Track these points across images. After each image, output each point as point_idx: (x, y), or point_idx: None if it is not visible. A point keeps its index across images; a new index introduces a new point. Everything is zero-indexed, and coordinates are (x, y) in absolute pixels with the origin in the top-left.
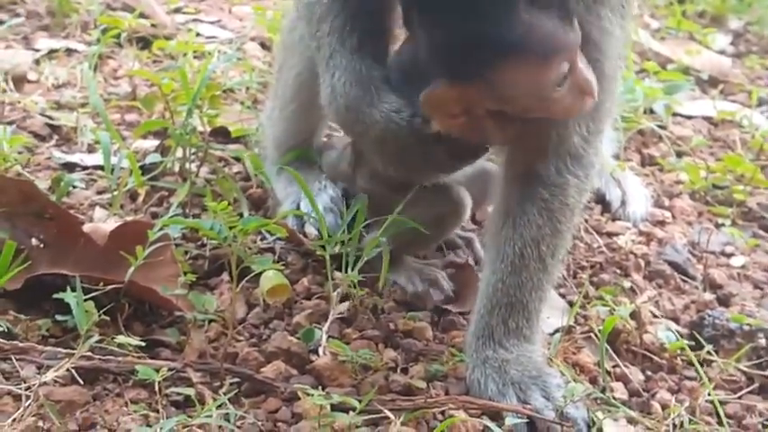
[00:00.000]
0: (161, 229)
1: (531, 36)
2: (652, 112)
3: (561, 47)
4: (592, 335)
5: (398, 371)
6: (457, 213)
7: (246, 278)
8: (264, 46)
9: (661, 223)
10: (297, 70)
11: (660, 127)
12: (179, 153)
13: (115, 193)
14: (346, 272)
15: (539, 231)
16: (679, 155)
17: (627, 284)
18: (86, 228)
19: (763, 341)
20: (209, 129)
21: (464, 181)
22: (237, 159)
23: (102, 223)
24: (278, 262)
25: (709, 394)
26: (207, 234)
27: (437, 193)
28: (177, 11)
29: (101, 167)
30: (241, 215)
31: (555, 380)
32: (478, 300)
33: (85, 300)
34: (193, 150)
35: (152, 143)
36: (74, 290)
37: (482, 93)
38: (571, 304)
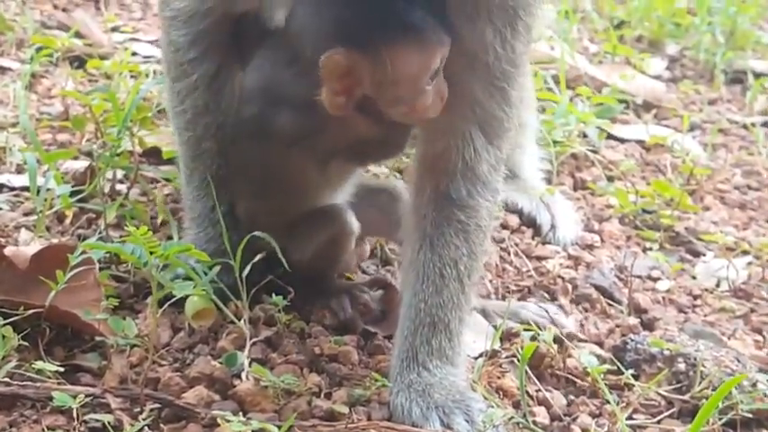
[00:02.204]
0: (83, 252)
1: (427, 23)
2: (585, 136)
3: (445, 41)
4: (516, 359)
5: (322, 396)
6: (342, 239)
7: (171, 301)
8: None
9: (590, 247)
10: None
11: (593, 151)
12: (109, 174)
13: (40, 214)
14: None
15: (456, 252)
16: (610, 179)
17: (553, 308)
18: (8, 251)
19: (682, 366)
20: (140, 150)
21: (370, 206)
22: (169, 180)
23: (25, 247)
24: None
25: (628, 418)
26: (128, 259)
27: (319, 217)
28: (115, 29)
29: (28, 189)
30: (170, 237)
31: (478, 404)
32: (401, 323)
33: (5, 324)
34: (124, 172)
35: (82, 164)
36: None
37: (373, 68)
38: (496, 328)
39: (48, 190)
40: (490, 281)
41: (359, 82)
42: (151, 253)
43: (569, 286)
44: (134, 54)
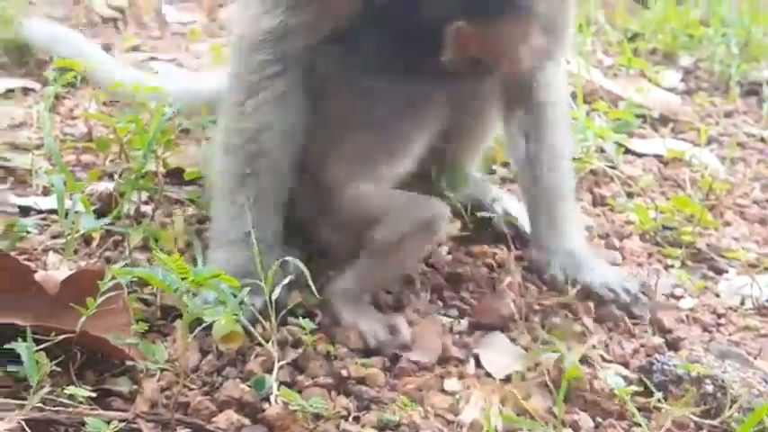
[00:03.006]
0: (112, 278)
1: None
2: (603, 151)
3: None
4: (543, 380)
5: (350, 419)
6: (433, 226)
7: (201, 327)
8: None
9: (611, 265)
10: None
11: (611, 166)
12: (134, 196)
13: (68, 237)
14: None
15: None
16: (629, 195)
17: (578, 328)
18: (38, 276)
19: (710, 387)
20: (164, 170)
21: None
22: (192, 201)
23: (55, 271)
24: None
25: None
26: (159, 285)
27: (407, 207)
28: (135, 49)
29: (55, 211)
30: (195, 259)
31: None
32: (531, 203)
33: (37, 350)
34: (148, 194)
35: (107, 185)
36: (25, 339)
37: (485, 37)
38: (522, 348)
39: (75, 212)
40: (513, 300)
41: (474, 48)
42: (182, 279)
43: (592, 305)
44: (155, 73)
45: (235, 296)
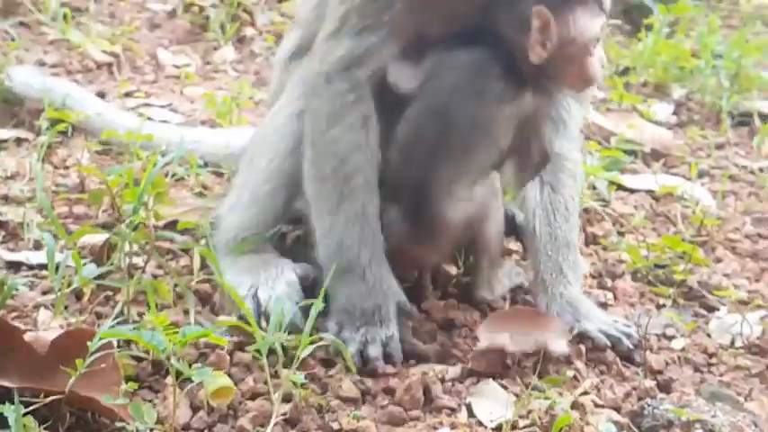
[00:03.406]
0: (101, 338)
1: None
2: (595, 188)
3: (603, 13)
4: (535, 428)
5: None
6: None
7: (191, 386)
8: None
9: (604, 305)
10: (270, 156)
11: (603, 203)
12: (126, 248)
13: (59, 294)
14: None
15: (571, 190)
16: (621, 233)
17: (570, 373)
18: (28, 337)
19: None
20: (155, 222)
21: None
22: (185, 251)
23: (44, 332)
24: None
25: None
26: (147, 347)
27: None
28: (128, 95)
29: (47, 266)
30: (186, 312)
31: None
32: (538, 249)
33: (25, 413)
34: (141, 243)
35: (99, 237)
36: (12, 402)
37: (560, 27)
38: (514, 395)
39: (66, 266)
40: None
41: (550, 37)
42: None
43: (583, 348)
44: (148, 119)
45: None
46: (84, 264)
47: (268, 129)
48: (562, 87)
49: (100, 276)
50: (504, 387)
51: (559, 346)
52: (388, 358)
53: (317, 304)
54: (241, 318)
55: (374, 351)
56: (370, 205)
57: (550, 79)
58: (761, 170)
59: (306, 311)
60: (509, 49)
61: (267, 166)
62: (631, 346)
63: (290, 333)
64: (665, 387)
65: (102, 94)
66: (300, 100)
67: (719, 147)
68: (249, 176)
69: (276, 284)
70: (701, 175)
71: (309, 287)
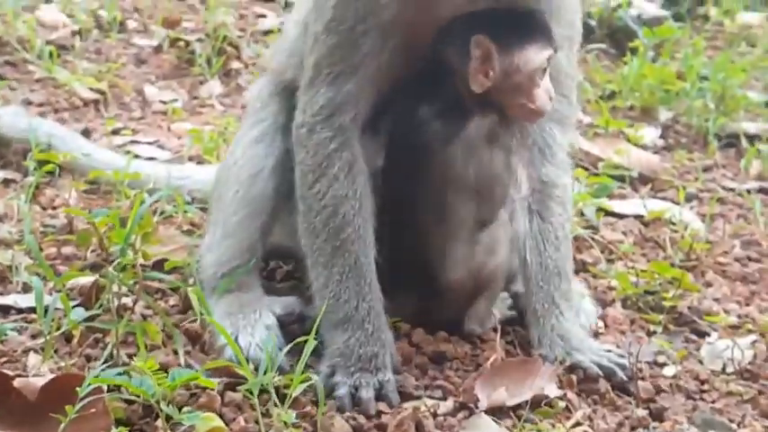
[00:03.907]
0: (90, 383)
1: (545, 30)
2: (583, 215)
3: (552, 43)
4: None
5: None
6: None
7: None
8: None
9: (595, 334)
10: (234, 189)
11: (592, 231)
12: (115, 289)
13: (48, 338)
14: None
15: (560, 217)
16: (611, 260)
17: (562, 404)
18: (17, 383)
19: None
20: (144, 262)
21: None
22: (175, 290)
23: (34, 377)
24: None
25: None
26: (136, 392)
27: None
28: (115, 132)
29: (35, 309)
30: (176, 352)
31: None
32: (531, 278)
33: None
34: (130, 283)
35: (88, 278)
36: None
37: (503, 57)
38: (507, 428)
39: (55, 309)
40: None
41: (493, 67)
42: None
43: (574, 378)
44: (135, 157)
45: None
46: (74, 306)
47: (229, 162)
48: (512, 117)
49: (89, 319)
50: (497, 420)
51: (553, 390)
52: (382, 399)
53: (309, 343)
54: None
55: (367, 394)
56: (363, 256)
57: (498, 110)
58: (748, 192)
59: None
60: (456, 82)
61: (233, 197)
62: (625, 378)
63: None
64: (658, 416)
65: (88, 133)
66: (255, 128)
67: (707, 169)
68: (219, 212)
69: (255, 330)
70: (689, 198)
71: (296, 321)
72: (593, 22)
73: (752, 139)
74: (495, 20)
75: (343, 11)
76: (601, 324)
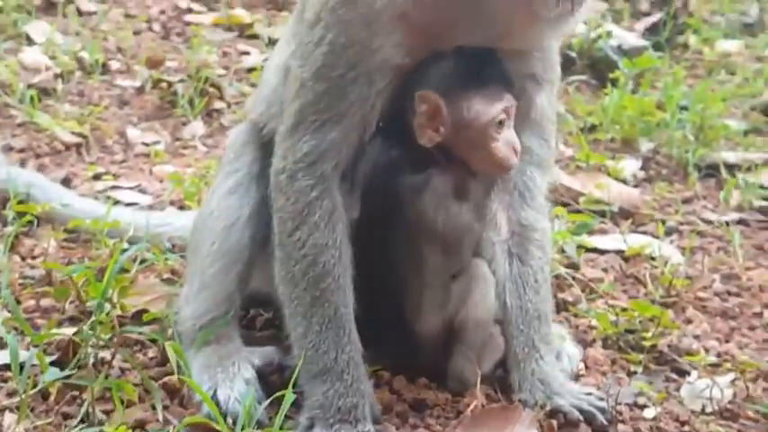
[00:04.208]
0: None
1: (496, 81)
2: (564, 252)
3: (509, 98)
4: None
5: None
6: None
7: None
8: (182, 209)
9: (576, 376)
10: (210, 240)
11: (572, 269)
12: (93, 342)
13: (23, 396)
14: None
15: (540, 261)
16: (592, 298)
17: None
18: None
19: None
20: (122, 313)
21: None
22: (154, 341)
23: None
24: None
25: None
26: None
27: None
28: (96, 178)
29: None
30: (153, 407)
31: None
32: (510, 321)
33: None
34: (108, 336)
35: (66, 331)
36: None
37: (452, 111)
38: None
39: (32, 365)
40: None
41: (443, 121)
42: None
43: (554, 423)
44: (116, 203)
45: None
46: (51, 361)
47: (205, 213)
48: (478, 170)
49: (66, 376)
50: None
51: None
52: None
53: (288, 396)
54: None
55: None
56: (343, 306)
57: (463, 162)
58: (728, 224)
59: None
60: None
61: (209, 249)
62: (605, 422)
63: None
64: None
65: (68, 181)
66: (230, 178)
67: (687, 201)
68: (195, 264)
69: (234, 383)
70: (669, 232)
71: (276, 371)
72: (573, 54)
73: (732, 168)
74: (447, 69)
75: (335, 58)
76: (581, 366)
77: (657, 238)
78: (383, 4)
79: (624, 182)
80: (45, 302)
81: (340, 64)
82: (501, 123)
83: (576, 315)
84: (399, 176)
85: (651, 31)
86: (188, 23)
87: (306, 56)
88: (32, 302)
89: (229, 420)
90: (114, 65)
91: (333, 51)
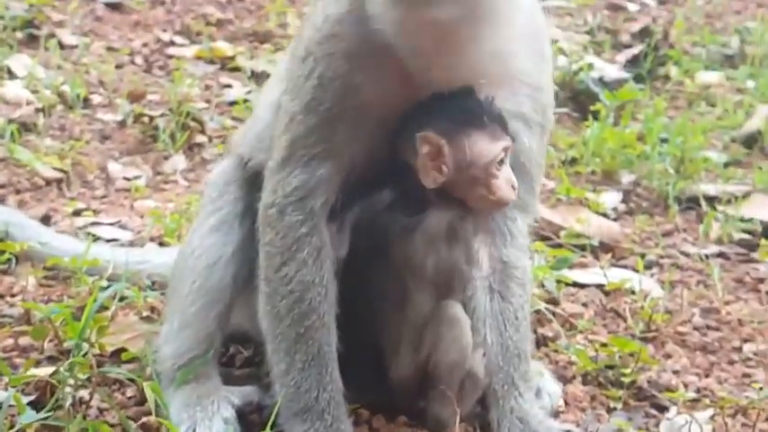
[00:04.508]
0: None
1: (497, 121)
2: (544, 286)
3: (507, 137)
4: None
5: None
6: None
7: None
8: (163, 245)
9: (555, 413)
10: (192, 278)
11: (552, 304)
12: (71, 381)
13: None
14: None
15: (520, 298)
16: (572, 334)
17: None
18: None
19: None
20: (101, 352)
21: None
22: (133, 381)
23: None
24: None
25: None
26: None
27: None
28: (77, 214)
29: None
30: None
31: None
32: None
33: None
34: (86, 376)
35: (45, 370)
36: None
37: (455, 151)
38: None
39: (10, 406)
40: None
41: (445, 162)
42: None
43: None
44: (96, 239)
45: None
46: (28, 401)
47: (186, 251)
48: (474, 209)
49: (43, 418)
50: None
51: None
52: None
53: None
54: None
55: None
56: (327, 344)
57: (459, 202)
58: (707, 257)
59: None
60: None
61: (191, 288)
62: None
63: None
64: None
65: (48, 218)
66: (212, 216)
67: (667, 234)
68: (176, 302)
69: (213, 422)
70: (649, 266)
71: (255, 410)
72: (554, 86)
73: (712, 201)
74: (448, 110)
75: (323, 92)
76: (561, 402)
77: (638, 271)
78: (361, 40)
79: (605, 215)
80: (24, 341)
81: (327, 98)
82: (501, 161)
83: (555, 351)
84: (390, 216)
85: (632, 62)
86: (170, 56)
87: (296, 90)
88: (11, 341)
89: None
90: (96, 99)
91: (321, 85)
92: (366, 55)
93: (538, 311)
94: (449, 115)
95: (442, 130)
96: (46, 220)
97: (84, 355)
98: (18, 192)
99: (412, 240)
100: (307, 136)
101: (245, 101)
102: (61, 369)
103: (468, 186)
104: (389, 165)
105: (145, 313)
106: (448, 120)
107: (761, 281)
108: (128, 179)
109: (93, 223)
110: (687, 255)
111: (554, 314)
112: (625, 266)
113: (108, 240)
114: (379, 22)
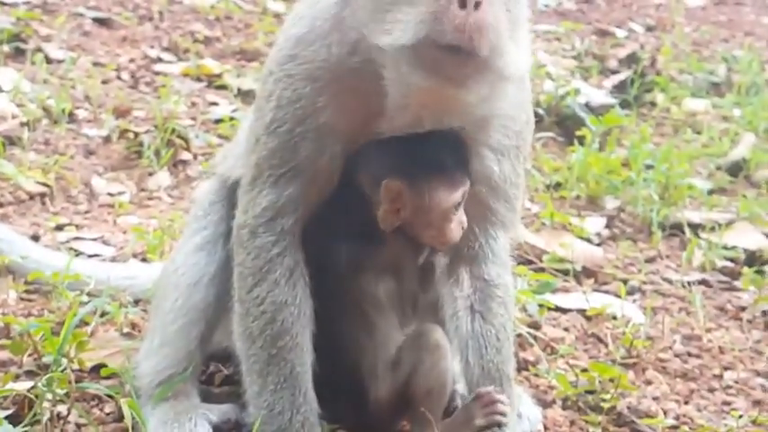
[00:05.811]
0: None
1: (457, 167)
2: (526, 310)
3: (467, 181)
4: None
5: None
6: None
7: None
8: (145, 262)
9: None
10: (174, 297)
11: (534, 328)
12: (50, 396)
13: None
14: None
15: (502, 318)
16: (552, 359)
17: None
18: None
19: None
20: (80, 367)
21: None
22: (111, 397)
23: None
24: None
25: None
26: None
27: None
28: (60, 228)
29: None
30: None
31: None
32: (470, 380)
33: None
34: (65, 391)
35: (23, 385)
36: None
37: (414, 196)
38: None
39: None
40: None
41: (404, 206)
42: None
43: None
44: (78, 254)
45: None
46: (6, 416)
47: (169, 270)
48: (425, 244)
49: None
50: None
51: None
52: None
53: None
54: None
55: None
56: (300, 365)
57: (411, 236)
58: (689, 284)
59: None
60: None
61: (173, 306)
62: None
63: None
64: None
65: (37, 238)
66: (197, 235)
67: (650, 260)
68: (157, 320)
69: None
70: (631, 291)
71: (233, 429)
72: (541, 111)
73: (696, 228)
74: (410, 151)
75: (283, 113)
76: (540, 427)
77: (620, 297)
78: (324, 62)
79: (588, 240)
80: (2, 355)
81: (287, 119)
82: (458, 205)
83: (536, 375)
84: (339, 248)
85: (619, 88)
86: (157, 73)
87: (259, 110)
88: None
89: None
90: (81, 114)
91: (280, 106)
92: (329, 79)
93: (519, 335)
94: (411, 159)
95: (403, 175)
96: (29, 233)
97: (62, 371)
98: (1, 205)
99: (363, 276)
100: (271, 156)
101: (231, 119)
102: (39, 384)
103: (421, 228)
104: (349, 191)
105: (125, 329)
106: (410, 164)
107: (742, 309)
108: (111, 195)
109: (76, 238)
110: (670, 281)
111: (535, 338)
112: (607, 292)
113: (90, 256)
114: (376, 65)
